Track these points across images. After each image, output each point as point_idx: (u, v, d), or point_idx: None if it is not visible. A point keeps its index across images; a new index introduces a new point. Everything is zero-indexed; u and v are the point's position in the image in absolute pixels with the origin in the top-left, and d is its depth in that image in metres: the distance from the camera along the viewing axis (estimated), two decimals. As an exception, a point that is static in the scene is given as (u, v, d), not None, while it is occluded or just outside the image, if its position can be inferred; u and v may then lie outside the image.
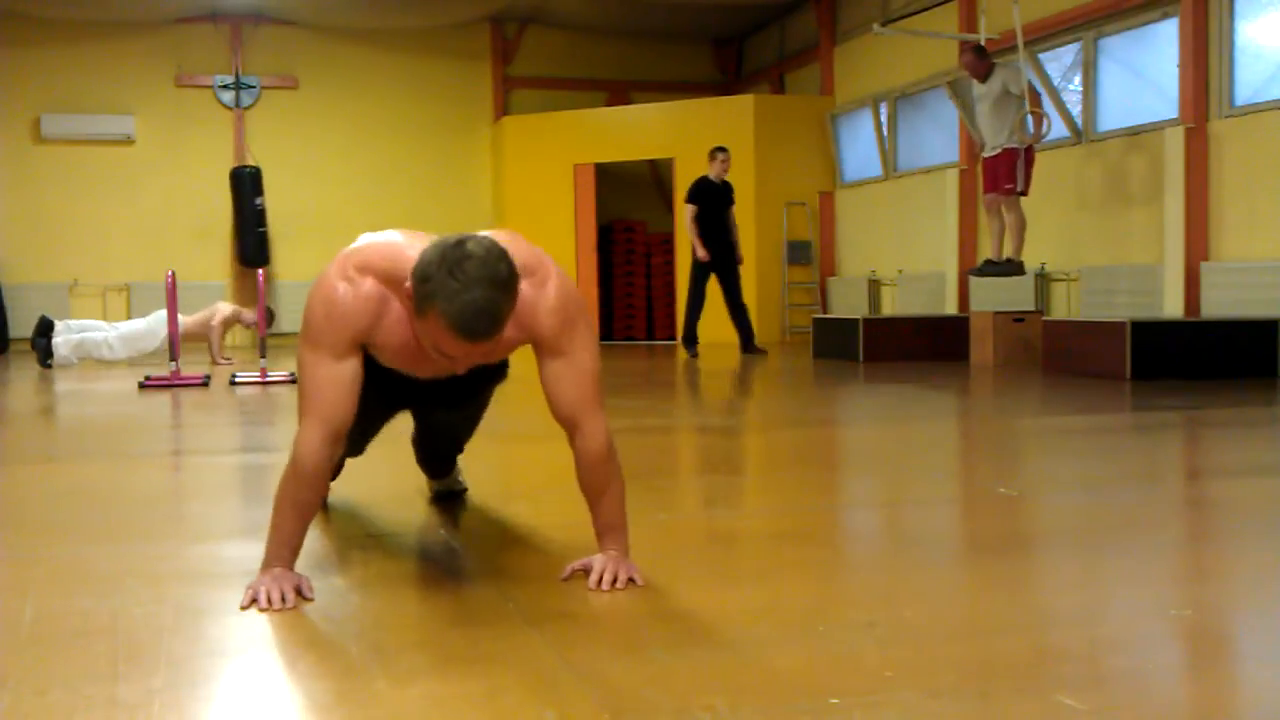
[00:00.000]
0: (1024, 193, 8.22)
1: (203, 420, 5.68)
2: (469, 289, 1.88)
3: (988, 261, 8.53)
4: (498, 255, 1.93)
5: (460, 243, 1.92)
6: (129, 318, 9.87)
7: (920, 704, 1.56)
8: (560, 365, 2.19)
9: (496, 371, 2.72)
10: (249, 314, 10.00)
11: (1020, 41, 8.44)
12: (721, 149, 10.11)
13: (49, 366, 9.49)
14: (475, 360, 2.05)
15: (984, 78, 8.32)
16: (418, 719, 1.55)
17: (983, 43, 8.72)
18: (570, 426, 2.22)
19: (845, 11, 12.53)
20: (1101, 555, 2.50)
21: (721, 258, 9.90)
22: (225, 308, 9.91)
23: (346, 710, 1.58)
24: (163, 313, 9.67)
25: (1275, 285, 7.36)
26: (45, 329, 9.59)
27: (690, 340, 10.06)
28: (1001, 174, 8.22)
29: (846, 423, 5.45)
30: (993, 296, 9.78)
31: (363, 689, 1.66)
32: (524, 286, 2.07)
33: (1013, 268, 8.38)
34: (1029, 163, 8.19)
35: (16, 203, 13.04)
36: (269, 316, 9.86)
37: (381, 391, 2.41)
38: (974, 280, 10.19)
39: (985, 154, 8.45)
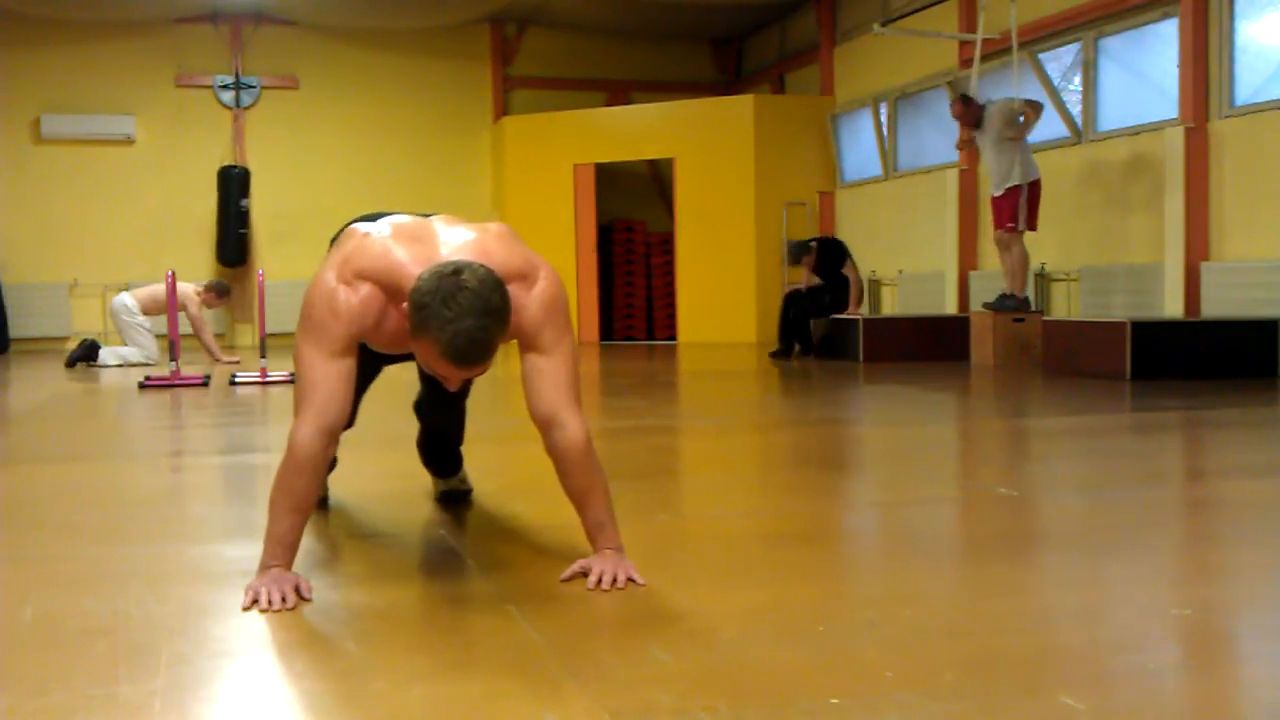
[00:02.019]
0: (1031, 228, 8.28)
1: (203, 420, 5.68)
2: (462, 319, 1.97)
3: (1002, 295, 8.57)
4: (491, 286, 2.01)
5: (456, 271, 2.01)
6: (115, 325, 9.99)
7: (920, 704, 1.56)
8: (541, 360, 2.23)
9: None
10: (205, 293, 9.97)
11: (1014, 43, 8.45)
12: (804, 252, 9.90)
13: (73, 365, 9.54)
14: (468, 378, 2.12)
15: (978, 123, 8.36)
16: None
17: (979, 43, 8.74)
18: (548, 423, 2.23)
19: (845, 11, 12.53)
20: (1102, 555, 2.50)
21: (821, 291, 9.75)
22: (191, 293, 9.84)
23: (347, 711, 1.58)
24: (119, 300, 9.83)
25: (1275, 285, 7.36)
26: (90, 352, 9.65)
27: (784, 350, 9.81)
28: (1005, 212, 8.32)
29: (846, 423, 5.45)
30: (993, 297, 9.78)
31: (363, 690, 1.66)
32: (513, 290, 2.16)
33: (1019, 302, 8.45)
34: (1033, 199, 8.24)
35: (16, 203, 13.04)
36: (222, 290, 9.95)
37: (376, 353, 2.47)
38: (974, 280, 10.22)
39: (993, 193, 8.51)
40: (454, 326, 1.97)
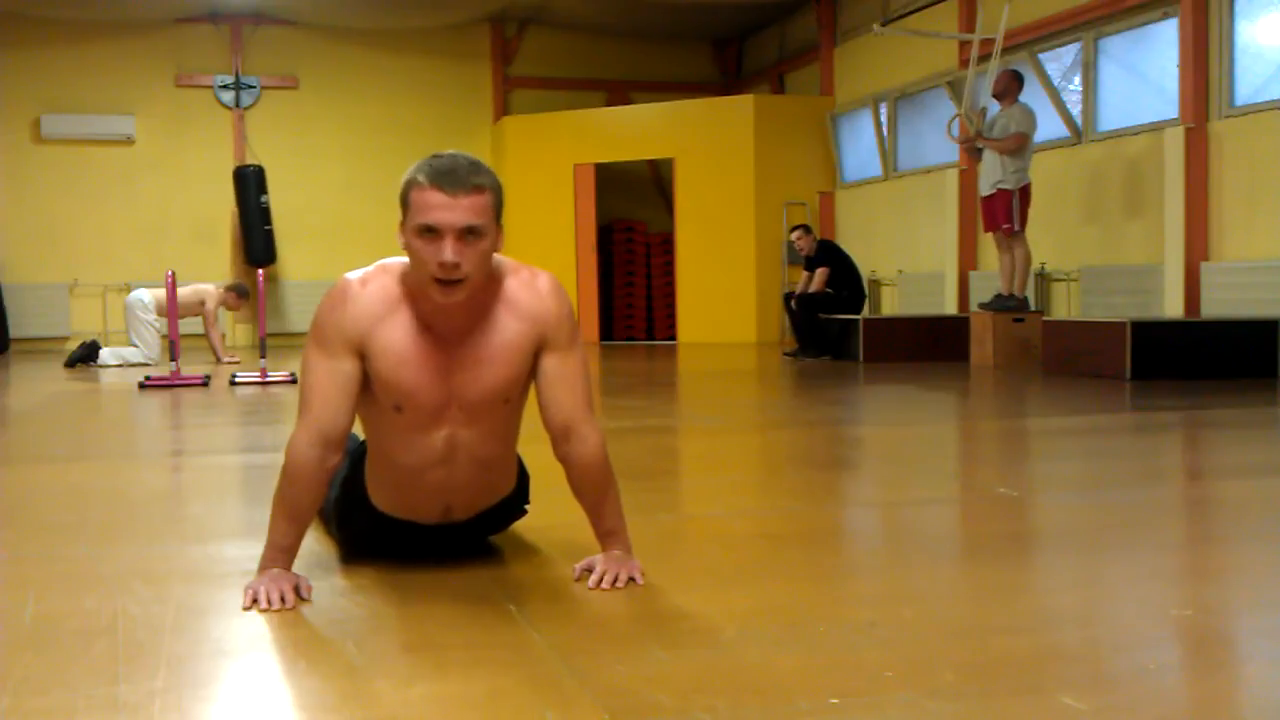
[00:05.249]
0: (1019, 230, 8.28)
1: (203, 420, 5.68)
2: (439, 156, 2.06)
3: (998, 295, 8.57)
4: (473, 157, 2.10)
5: (435, 156, 2.10)
6: (125, 320, 10.00)
7: (920, 704, 1.56)
8: (560, 363, 2.20)
9: (511, 512, 2.53)
10: (225, 294, 9.99)
11: (998, 46, 8.46)
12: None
13: (73, 365, 9.53)
14: (458, 227, 2.01)
15: (1011, 103, 8.36)
16: None
17: (977, 42, 8.76)
18: (566, 433, 2.21)
19: (845, 11, 12.53)
20: (1101, 555, 2.50)
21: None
22: (212, 291, 9.90)
23: (347, 711, 1.58)
24: (135, 295, 9.85)
25: (1275, 285, 7.35)
26: (91, 352, 9.67)
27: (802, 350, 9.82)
28: (999, 214, 8.32)
29: (846, 423, 5.45)
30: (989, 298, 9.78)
31: (363, 689, 1.66)
32: (516, 280, 2.18)
33: (1017, 302, 8.45)
34: (1024, 201, 8.26)
35: (16, 203, 13.03)
36: (243, 292, 9.99)
37: (394, 540, 2.42)
38: (974, 280, 10.22)
39: (982, 193, 8.53)
40: (434, 160, 2.05)
